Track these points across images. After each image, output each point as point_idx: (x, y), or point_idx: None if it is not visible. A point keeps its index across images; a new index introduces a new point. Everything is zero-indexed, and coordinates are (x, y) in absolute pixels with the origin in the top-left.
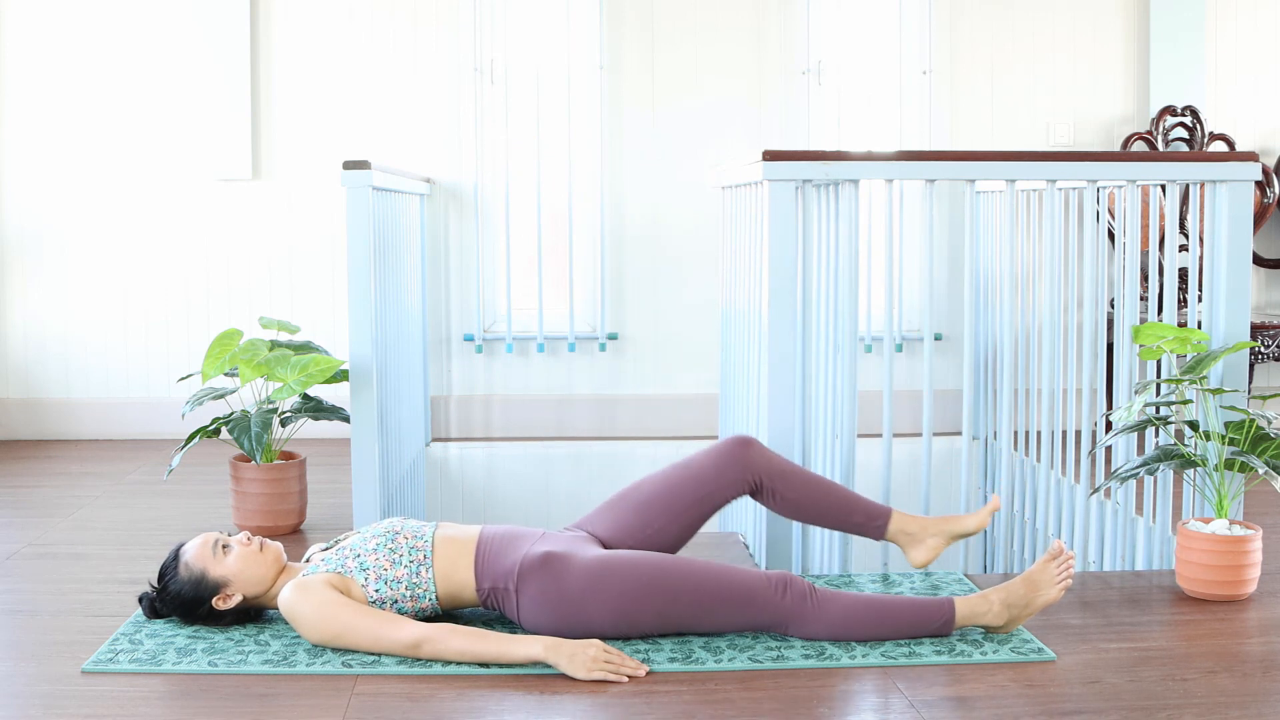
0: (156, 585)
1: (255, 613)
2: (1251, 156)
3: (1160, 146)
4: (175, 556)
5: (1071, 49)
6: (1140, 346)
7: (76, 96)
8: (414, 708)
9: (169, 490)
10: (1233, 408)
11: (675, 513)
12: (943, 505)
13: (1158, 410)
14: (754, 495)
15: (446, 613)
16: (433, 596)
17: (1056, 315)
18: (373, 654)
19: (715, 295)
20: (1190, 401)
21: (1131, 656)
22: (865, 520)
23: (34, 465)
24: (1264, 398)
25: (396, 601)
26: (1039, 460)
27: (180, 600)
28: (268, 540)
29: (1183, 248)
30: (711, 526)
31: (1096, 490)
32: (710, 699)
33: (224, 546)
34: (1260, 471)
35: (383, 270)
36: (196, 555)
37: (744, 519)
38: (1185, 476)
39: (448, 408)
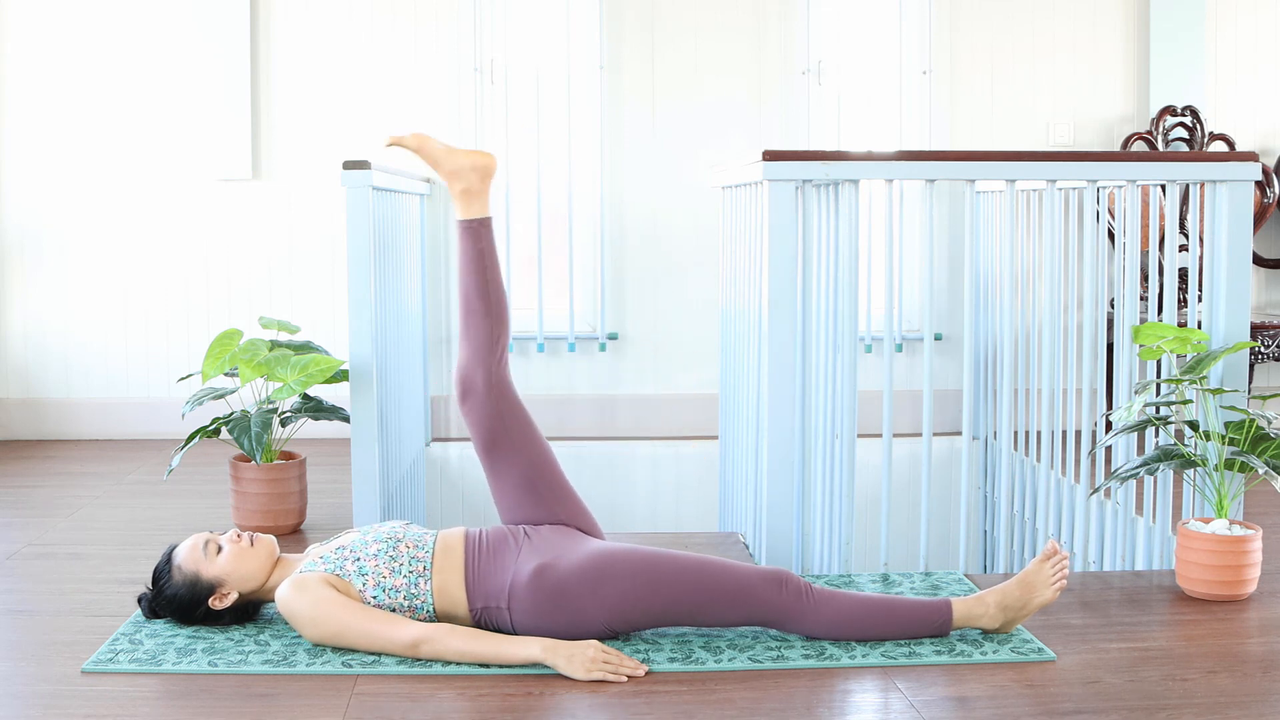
0: (151, 589)
1: (253, 608)
2: (1251, 156)
3: (1160, 146)
4: (167, 560)
5: (1071, 49)
6: (1140, 346)
7: (76, 96)
8: (414, 708)
9: (169, 490)
10: (1233, 408)
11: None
12: (943, 505)
13: (1158, 410)
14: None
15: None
16: (430, 609)
17: (1056, 315)
18: (372, 653)
19: (715, 295)
20: (1190, 401)
21: (1131, 656)
22: None
23: (34, 465)
24: (1264, 398)
25: (394, 610)
26: (1039, 460)
27: (177, 604)
28: (260, 535)
29: (1183, 248)
30: (711, 526)
31: (1096, 490)
32: (710, 699)
33: (215, 546)
34: (1260, 471)
35: (383, 270)
36: (188, 558)
37: (744, 519)
38: (1185, 476)
39: (448, 408)
